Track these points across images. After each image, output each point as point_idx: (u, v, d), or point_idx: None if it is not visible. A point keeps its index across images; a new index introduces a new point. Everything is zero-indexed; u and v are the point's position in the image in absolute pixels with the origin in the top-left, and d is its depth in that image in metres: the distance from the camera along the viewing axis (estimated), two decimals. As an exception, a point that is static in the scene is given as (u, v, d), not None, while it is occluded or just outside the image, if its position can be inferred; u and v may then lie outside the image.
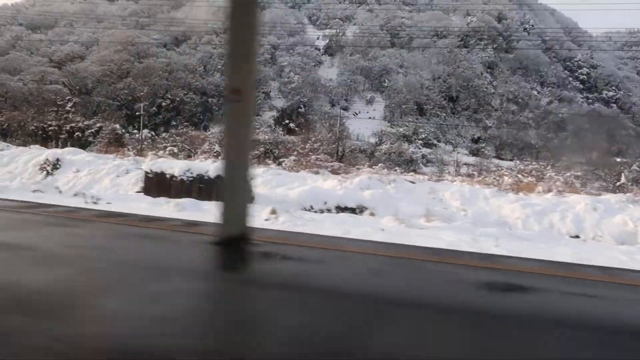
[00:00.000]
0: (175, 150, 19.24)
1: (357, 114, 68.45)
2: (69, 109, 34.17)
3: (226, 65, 4.70)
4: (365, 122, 64.47)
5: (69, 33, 71.32)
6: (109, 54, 63.76)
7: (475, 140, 67.33)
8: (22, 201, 6.68)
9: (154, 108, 58.13)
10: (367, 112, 68.46)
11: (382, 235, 5.42)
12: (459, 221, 7.60)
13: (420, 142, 62.41)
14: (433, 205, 10.38)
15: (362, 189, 10.79)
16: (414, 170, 39.29)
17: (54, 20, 74.04)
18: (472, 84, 70.73)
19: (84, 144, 32.15)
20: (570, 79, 74.94)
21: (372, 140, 58.56)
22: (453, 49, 73.72)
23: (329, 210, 10.61)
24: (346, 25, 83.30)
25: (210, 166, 10.20)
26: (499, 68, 74.45)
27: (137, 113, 44.93)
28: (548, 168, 20.18)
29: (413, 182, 11.33)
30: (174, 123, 57.59)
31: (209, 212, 6.56)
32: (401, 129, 64.16)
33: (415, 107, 68.94)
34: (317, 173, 14.22)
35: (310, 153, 19.73)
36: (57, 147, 26.46)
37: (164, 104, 59.51)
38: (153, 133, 49.60)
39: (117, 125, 32.54)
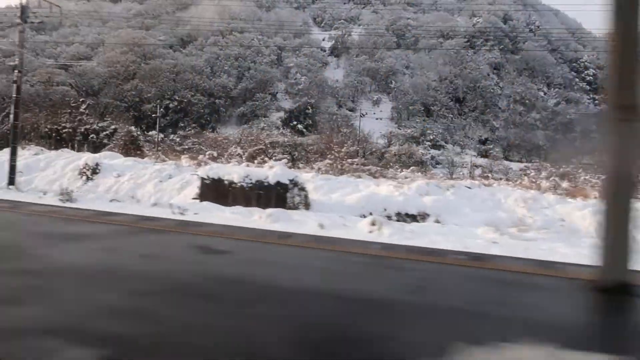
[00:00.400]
0: (215, 154, 18.94)
1: (363, 116, 68.26)
2: (83, 110, 33.80)
3: (612, 78, 3.95)
4: (372, 123, 64.20)
5: (74, 34, 70.95)
6: (115, 55, 63.44)
7: (483, 142, 67.19)
8: (119, 213, 6.33)
9: (161, 109, 57.76)
10: (374, 114, 68.22)
11: (500, 249, 5.17)
12: (548, 230, 7.34)
13: (428, 143, 62.28)
14: (497, 212, 10.13)
15: (421, 195, 10.53)
16: (424, 172, 39.09)
17: (58, 22, 73.57)
18: (479, 85, 70.62)
19: (98, 146, 31.80)
20: (577, 79, 74.89)
21: (381, 141, 58.33)
22: (459, 50, 73.57)
23: (389, 217, 10.34)
24: (351, 26, 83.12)
25: (268, 172, 9.92)
26: (506, 69, 74.37)
27: (152, 115, 44.59)
28: (579, 171, 19.94)
29: (469, 187, 11.08)
30: (182, 124, 57.32)
31: (304, 223, 6.29)
32: (409, 130, 64.02)
33: (423, 108, 68.78)
34: (359, 177, 13.95)
35: (345, 156, 19.50)
36: (72, 149, 26.15)
37: (171, 105, 59.18)
38: (162, 134, 49.29)
39: (133, 127, 32.21)
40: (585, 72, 75.59)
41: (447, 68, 72.51)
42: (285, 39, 75.07)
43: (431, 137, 63.69)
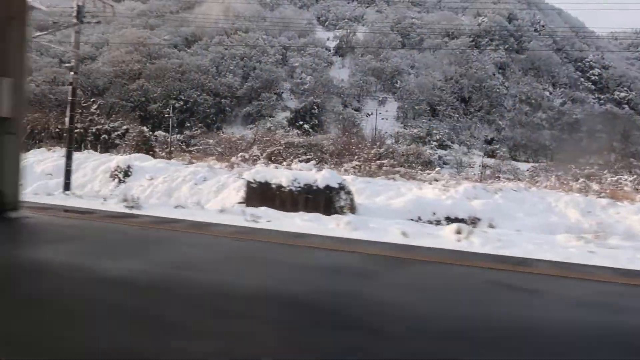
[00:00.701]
0: (247, 156, 18.72)
1: (369, 115, 68.10)
2: (94, 110, 33.50)
3: None
4: (378, 123, 63.96)
5: (78, 33, 70.51)
6: (120, 54, 63.11)
7: (489, 142, 67.04)
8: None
9: (167, 109, 57.48)
10: (380, 113, 68.03)
11: (612, 261, 4.94)
12: (619, 236, 7.14)
13: (434, 143, 62.09)
14: (549, 217, 9.93)
15: (470, 199, 10.33)
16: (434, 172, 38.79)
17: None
18: (484, 84, 70.43)
19: (110, 147, 31.52)
20: (582, 79, 74.80)
21: (388, 141, 58.12)
22: (465, 49, 73.40)
23: (438, 222, 10.15)
24: (355, 25, 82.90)
25: (316, 176, 9.71)
26: (511, 69, 74.21)
27: (165, 115, 44.40)
28: (605, 172, 19.77)
29: (515, 190, 10.89)
30: (188, 124, 57.03)
31: (384, 231, 6.08)
32: (415, 130, 63.84)
33: (428, 108, 68.59)
34: (393, 179, 13.76)
35: (374, 158, 19.30)
36: (85, 149, 25.87)
37: (177, 105, 58.83)
38: (167, 134, 49.02)
39: (145, 128, 31.95)
40: (591, 71, 75.50)
41: (453, 68, 72.33)
42: (290, 39, 74.82)
43: (437, 137, 63.51)
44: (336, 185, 9.55)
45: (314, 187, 9.48)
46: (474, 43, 75.53)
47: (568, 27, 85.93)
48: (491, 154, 60.86)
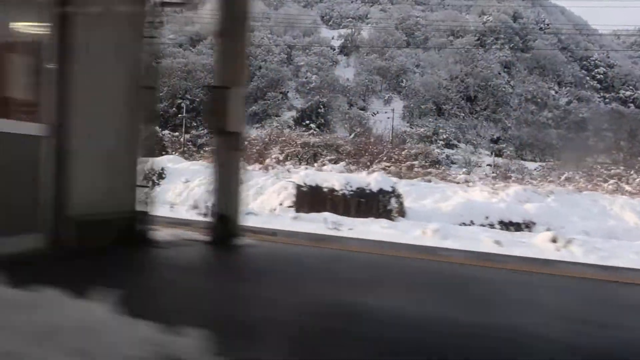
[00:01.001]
0: (281, 157, 18.51)
1: (375, 114, 67.93)
2: (105, 111, 33.28)
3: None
4: (383, 122, 63.73)
5: (82, 32, 70.16)
6: (125, 53, 62.76)
7: (495, 141, 66.90)
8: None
9: (173, 109, 57.20)
10: (385, 112, 67.83)
11: None
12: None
13: (441, 142, 61.94)
14: (607, 220, 9.73)
15: (521, 202, 10.13)
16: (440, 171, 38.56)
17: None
18: (490, 83, 70.29)
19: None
20: (587, 78, 74.71)
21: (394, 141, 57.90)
22: (470, 48, 73.25)
23: (491, 226, 9.93)
24: (359, 24, 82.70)
25: (369, 179, 9.49)
26: (516, 67, 74.08)
27: (179, 115, 44.17)
28: (632, 172, 19.52)
29: (567, 193, 10.68)
30: (194, 124, 56.74)
31: (474, 239, 5.86)
32: (421, 130, 63.69)
33: (434, 107, 68.43)
34: (429, 181, 13.55)
35: (405, 160, 19.12)
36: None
37: (183, 104, 58.56)
38: (178, 134, 48.76)
39: (157, 128, 31.66)
40: (596, 70, 75.41)
41: (458, 66, 72.15)
42: (294, 38, 74.57)
43: (444, 137, 63.36)
44: (389, 189, 9.34)
45: (367, 191, 9.27)
46: (479, 42, 75.38)
47: (571, 25, 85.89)
48: (498, 153, 60.77)
